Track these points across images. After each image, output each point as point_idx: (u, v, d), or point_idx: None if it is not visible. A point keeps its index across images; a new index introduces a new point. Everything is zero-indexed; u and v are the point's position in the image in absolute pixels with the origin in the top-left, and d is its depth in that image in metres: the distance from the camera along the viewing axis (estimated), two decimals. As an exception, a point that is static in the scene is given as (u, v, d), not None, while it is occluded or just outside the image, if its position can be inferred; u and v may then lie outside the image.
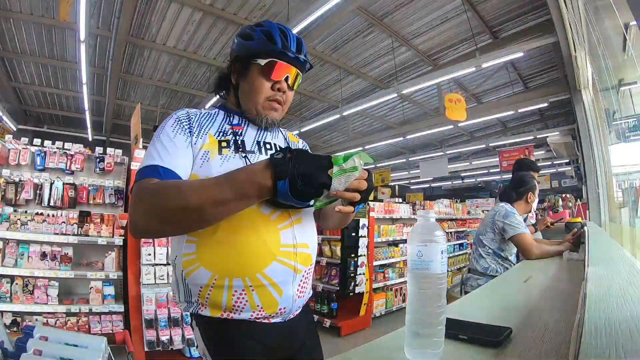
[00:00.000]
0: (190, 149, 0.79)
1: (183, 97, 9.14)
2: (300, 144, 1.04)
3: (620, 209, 3.73)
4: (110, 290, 2.63)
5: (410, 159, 12.26)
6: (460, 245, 6.35)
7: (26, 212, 2.59)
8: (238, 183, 0.65)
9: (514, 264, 2.02)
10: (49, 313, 2.47)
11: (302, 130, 8.76)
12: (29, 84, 8.21)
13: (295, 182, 0.62)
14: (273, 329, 0.79)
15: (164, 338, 2.45)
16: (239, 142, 0.84)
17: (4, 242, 2.48)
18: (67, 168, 2.78)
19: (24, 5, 5.38)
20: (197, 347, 0.83)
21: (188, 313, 0.81)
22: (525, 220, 2.32)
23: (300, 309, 0.86)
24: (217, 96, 0.98)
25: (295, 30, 4.58)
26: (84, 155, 2.85)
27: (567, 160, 9.81)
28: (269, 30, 0.84)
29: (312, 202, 0.70)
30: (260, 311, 0.77)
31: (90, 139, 10.18)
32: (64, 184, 2.73)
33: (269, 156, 0.67)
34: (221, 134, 0.84)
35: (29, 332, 1.37)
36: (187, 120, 0.82)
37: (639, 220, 2.69)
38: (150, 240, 2.55)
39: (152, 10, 5.57)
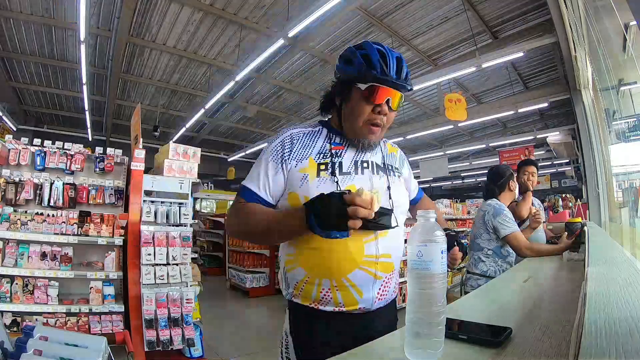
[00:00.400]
0: (281, 175, 0.93)
1: (183, 97, 9.14)
2: (397, 154, 1.14)
3: (620, 209, 3.73)
4: (110, 290, 2.63)
5: (410, 159, 12.18)
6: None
7: (26, 212, 2.59)
8: (288, 223, 0.84)
9: (514, 261, 2.02)
10: (49, 313, 2.47)
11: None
12: (29, 84, 8.21)
13: (319, 220, 0.74)
14: (351, 319, 0.91)
15: (164, 338, 2.45)
16: (337, 164, 0.93)
17: (4, 242, 2.48)
18: (67, 168, 2.78)
19: (24, 5, 5.39)
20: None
21: (286, 298, 0.99)
22: (525, 221, 2.33)
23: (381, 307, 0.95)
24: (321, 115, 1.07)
25: (295, 31, 4.59)
26: (84, 155, 2.85)
27: (567, 160, 9.81)
28: (368, 54, 0.88)
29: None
30: (341, 307, 0.90)
31: (90, 139, 10.18)
32: (64, 184, 2.73)
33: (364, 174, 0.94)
34: (321, 155, 0.94)
35: (29, 332, 1.36)
36: (289, 144, 0.94)
37: (639, 220, 2.69)
38: (150, 240, 2.55)
39: (152, 10, 5.57)
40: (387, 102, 0.90)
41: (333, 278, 0.89)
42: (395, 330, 0.94)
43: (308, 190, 0.88)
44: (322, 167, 0.92)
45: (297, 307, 0.94)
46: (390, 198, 0.98)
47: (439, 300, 0.53)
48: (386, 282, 0.94)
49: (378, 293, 0.92)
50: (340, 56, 0.95)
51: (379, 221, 0.85)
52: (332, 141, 0.97)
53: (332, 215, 0.72)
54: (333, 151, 0.95)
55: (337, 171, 0.91)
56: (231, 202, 0.99)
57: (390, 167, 1.04)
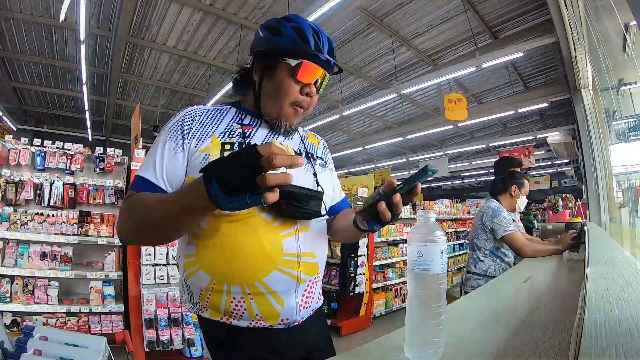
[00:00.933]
0: (180, 156, 0.75)
1: (183, 97, 9.14)
2: (320, 145, 0.98)
3: (620, 209, 3.73)
4: (110, 290, 2.63)
5: (410, 159, 12.25)
6: (460, 245, 6.36)
7: (26, 212, 2.59)
8: (185, 198, 0.60)
9: (513, 261, 2.03)
10: (49, 313, 2.47)
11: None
12: (29, 84, 8.22)
13: (223, 182, 0.52)
14: (275, 334, 0.77)
15: (164, 338, 2.45)
16: (244, 144, 0.78)
17: (4, 242, 2.48)
18: (67, 168, 2.78)
19: (24, 5, 5.39)
20: (202, 347, 0.86)
21: (192, 312, 0.80)
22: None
23: (307, 317, 0.81)
24: (236, 94, 0.92)
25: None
26: (84, 155, 2.85)
27: (567, 160, 9.82)
28: (300, 27, 0.77)
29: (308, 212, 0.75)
30: (259, 321, 0.75)
31: (90, 139, 10.18)
32: (64, 184, 2.73)
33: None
34: (227, 134, 0.79)
35: (29, 332, 1.36)
36: (189, 121, 0.78)
37: (639, 220, 2.69)
38: (150, 240, 2.55)
39: (152, 10, 5.57)
40: (315, 82, 0.80)
41: (245, 283, 0.72)
42: (330, 343, 0.89)
43: None
44: (227, 146, 0.76)
45: (208, 323, 0.76)
46: (318, 185, 0.84)
47: (439, 300, 0.54)
48: (310, 287, 0.80)
49: (302, 300, 0.78)
50: (263, 27, 0.81)
51: (307, 206, 0.75)
52: (241, 121, 0.82)
53: (242, 168, 0.51)
54: (241, 130, 0.80)
55: None
56: None
57: (311, 155, 0.90)
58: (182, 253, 0.79)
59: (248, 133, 0.81)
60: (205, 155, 0.75)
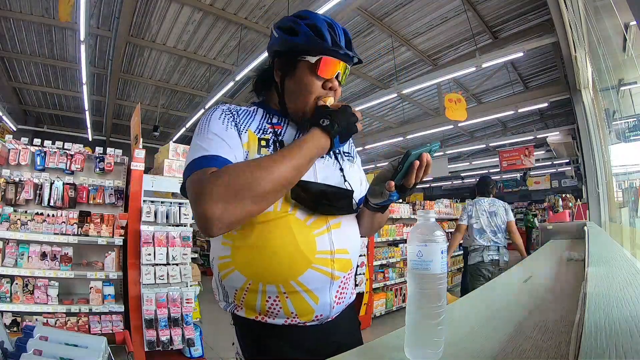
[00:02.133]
0: (240, 142, 0.76)
1: (183, 97, 9.14)
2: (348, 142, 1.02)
3: (620, 209, 3.73)
4: (110, 290, 2.63)
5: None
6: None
7: (26, 212, 2.59)
8: (308, 150, 0.71)
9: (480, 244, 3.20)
10: (49, 313, 2.47)
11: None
12: (29, 84, 8.21)
13: (342, 135, 0.75)
14: (308, 331, 0.77)
15: (164, 338, 2.45)
16: (278, 142, 0.80)
17: (4, 242, 2.48)
18: (67, 168, 2.78)
19: (24, 5, 5.39)
20: (233, 343, 0.84)
21: (226, 311, 0.82)
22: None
23: (340, 312, 0.83)
24: (257, 96, 0.93)
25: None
26: (84, 155, 2.85)
27: (567, 160, 9.81)
28: (314, 23, 0.78)
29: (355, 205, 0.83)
30: (294, 318, 0.75)
31: (90, 139, 10.18)
32: (64, 184, 2.73)
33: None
34: (261, 131, 0.80)
35: (29, 332, 1.36)
36: (231, 114, 0.79)
37: (639, 220, 2.69)
38: (150, 240, 2.55)
39: (152, 10, 5.57)
40: (337, 76, 0.81)
41: (280, 282, 0.73)
42: (360, 338, 0.90)
43: None
44: (263, 142, 0.78)
45: (243, 322, 0.78)
46: (345, 181, 0.85)
47: (439, 300, 0.54)
48: (344, 283, 0.81)
49: (336, 296, 0.78)
50: (277, 27, 0.82)
51: (338, 204, 0.78)
52: (270, 121, 0.84)
53: (353, 124, 0.77)
54: (272, 130, 0.82)
55: (278, 149, 0.79)
56: None
57: (339, 151, 0.91)
58: (217, 254, 0.79)
59: (279, 132, 0.83)
60: (246, 152, 0.76)
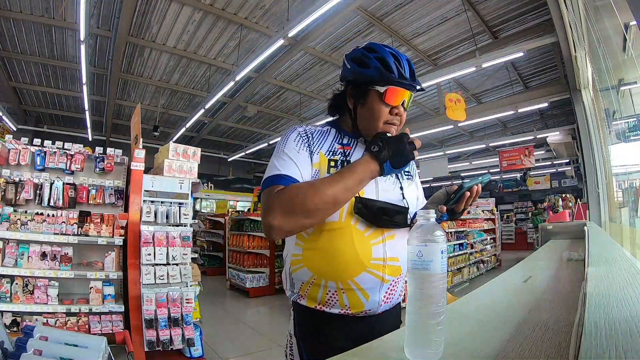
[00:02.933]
0: (311, 165, 0.89)
1: (183, 97, 9.14)
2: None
3: (620, 209, 3.73)
4: (110, 290, 2.63)
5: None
6: (460, 245, 6.36)
7: (26, 212, 2.59)
8: (358, 174, 0.83)
9: None
10: (49, 313, 2.47)
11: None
12: (29, 84, 8.21)
13: (393, 161, 0.84)
14: (357, 321, 0.91)
15: (164, 338, 2.45)
16: (346, 162, 0.92)
17: (4, 242, 2.48)
18: (67, 168, 2.78)
19: (24, 5, 5.38)
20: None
21: (290, 299, 0.97)
22: None
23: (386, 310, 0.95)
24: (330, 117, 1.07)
25: (295, 31, 4.59)
26: (84, 155, 2.85)
27: (567, 160, 9.82)
28: (383, 57, 0.89)
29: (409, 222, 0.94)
30: (347, 309, 0.89)
31: (90, 139, 10.17)
32: (64, 183, 2.73)
33: (369, 151, 0.87)
34: (331, 152, 0.93)
35: (29, 332, 1.36)
36: (307, 137, 0.92)
37: (639, 220, 2.69)
38: (150, 240, 2.55)
39: (152, 10, 5.57)
40: (402, 103, 0.93)
41: (339, 280, 0.88)
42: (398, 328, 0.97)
43: None
44: (332, 163, 0.91)
45: (302, 309, 0.94)
46: (403, 198, 0.98)
47: (438, 301, 0.54)
48: (393, 286, 0.93)
49: (385, 296, 0.92)
50: (350, 58, 0.94)
51: (395, 219, 0.91)
52: (341, 141, 0.96)
53: (405, 152, 0.86)
54: (342, 150, 0.94)
55: None
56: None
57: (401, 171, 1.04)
58: (290, 252, 0.95)
59: (347, 152, 0.95)
60: (316, 170, 0.90)
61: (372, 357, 0.60)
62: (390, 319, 0.97)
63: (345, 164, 0.91)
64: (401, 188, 0.99)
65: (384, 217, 0.89)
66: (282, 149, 0.90)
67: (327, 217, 0.85)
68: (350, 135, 0.98)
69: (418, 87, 0.94)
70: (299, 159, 0.88)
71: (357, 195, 0.88)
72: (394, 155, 0.84)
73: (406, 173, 1.06)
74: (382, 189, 0.94)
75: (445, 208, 0.86)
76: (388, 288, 0.92)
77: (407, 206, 0.96)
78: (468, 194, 0.86)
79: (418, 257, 0.54)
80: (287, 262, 0.96)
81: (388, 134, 0.91)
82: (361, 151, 0.96)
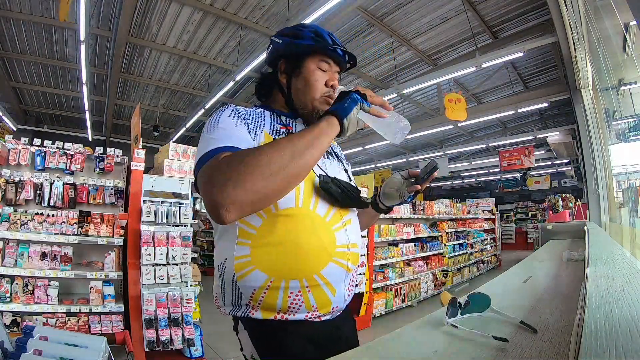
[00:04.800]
0: (251, 142, 0.77)
1: (183, 97, 9.14)
2: (335, 145, 1.09)
3: (620, 209, 3.73)
4: (110, 290, 2.63)
5: (410, 159, 12.26)
6: (460, 245, 6.35)
7: (26, 212, 2.59)
8: (317, 128, 0.72)
9: None
10: (49, 313, 2.47)
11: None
12: (29, 84, 8.21)
13: (346, 103, 0.76)
14: (322, 326, 0.80)
15: (164, 338, 2.45)
16: None
17: (4, 242, 2.48)
18: (67, 168, 2.78)
19: (24, 5, 5.39)
20: (242, 349, 0.83)
21: (232, 316, 0.81)
22: None
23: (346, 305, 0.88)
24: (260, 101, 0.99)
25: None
26: (84, 155, 2.85)
27: (567, 160, 9.81)
28: (316, 29, 0.89)
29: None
30: (314, 311, 0.78)
31: (90, 139, 10.17)
32: (64, 183, 2.73)
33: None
34: (275, 132, 0.84)
35: (29, 332, 1.36)
36: (241, 115, 0.81)
37: (639, 220, 2.69)
38: (150, 240, 2.55)
39: (152, 10, 5.57)
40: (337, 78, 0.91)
41: (304, 277, 0.75)
42: (356, 332, 0.94)
43: None
44: None
45: (256, 325, 0.78)
46: (350, 180, 0.93)
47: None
48: (353, 275, 0.87)
49: (348, 288, 0.84)
50: (280, 34, 0.91)
51: (356, 201, 0.86)
52: (280, 121, 0.88)
53: (352, 94, 0.77)
54: (284, 130, 0.86)
55: None
56: None
57: (336, 155, 0.99)
58: (231, 255, 0.77)
59: (290, 132, 0.87)
60: None
61: (373, 357, 0.60)
62: (348, 315, 0.91)
63: None
64: (346, 170, 0.97)
65: (353, 194, 0.84)
66: (216, 123, 0.77)
67: (295, 184, 0.70)
68: (286, 115, 0.90)
69: (350, 59, 0.91)
70: (239, 132, 0.76)
71: (322, 173, 0.81)
72: (345, 99, 0.76)
73: (342, 158, 1.02)
74: (331, 172, 0.86)
75: (419, 186, 0.89)
76: (350, 278, 0.85)
77: (359, 188, 0.92)
78: (436, 173, 0.88)
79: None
80: (228, 268, 0.77)
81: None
82: (302, 128, 0.89)
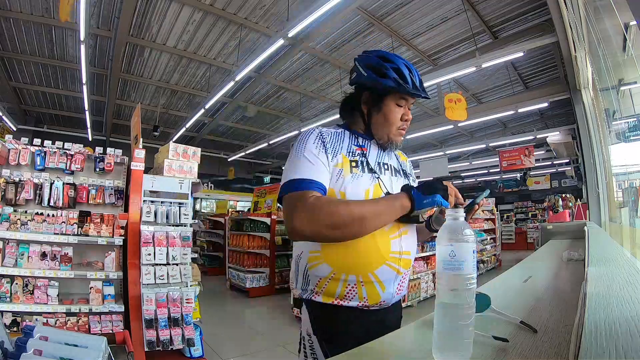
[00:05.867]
0: (329, 165, 0.94)
1: (183, 97, 9.14)
2: (407, 162, 1.23)
3: (620, 209, 3.72)
4: (110, 290, 2.63)
5: (410, 159, 12.22)
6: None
7: (26, 212, 2.59)
8: (388, 202, 0.89)
9: None
10: (49, 313, 2.47)
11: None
12: (29, 84, 8.21)
13: (422, 192, 0.89)
14: (371, 314, 0.96)
15: (164, 338, 2.45)
16: (365, 162, 1.00)
17: (4, 242, 2.48)
18: (67, 168, 2.78)
19: (24, 5, 5.38)
20: (300, 327, 1.02)
21: (300, 297, 1.01)
22: None
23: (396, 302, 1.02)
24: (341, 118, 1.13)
25: (295, 31, 4.59)
26: (84, 155, 2.85)
27: (567, 160, 9.82)
28: (399, 68, 0.96)
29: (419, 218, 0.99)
30: (365, 302, 0.94)
31: (90, 139, 10.17)
32: (64, 183, 2.73)
33: (402, 188, 0.94)
34: (350, 154, 0.99)
35: (29, 332, 1.36)
36: (323, 139, 0.97)
37: (639, 220, 2.69)
38: (150, 240, 2.55)
39: (152, 10, 5.57)
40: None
41: (360, 274, 0.92)
42: (399, 324, 1.07)
43: (344, 185, 0.93)
44: (354, 164, 0.97)
45: (317, 306, 0.96)
46: None
47: (470, 301, 0.52)
48: (404, 278, 1.00)
49: (397, 288, 0.98)
50: (365, 65, 0.99)
51: (413, 215, 0.96)
52: (357, 143, 1.03)
53: (436, 186, 0.90)
54: (359, 152, 1.01)
55: (366, 169, 0.98)
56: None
57: (404, 172, 1.14)
58: (307, 249, 0.97)
59: (365, 153, 1.02)
60: (339, 170, 0.95)
61: (373, 357, 0.60)
62: (396, 312, 1.05)
63: (365, 163, 0.99)
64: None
65: (409, 213, 0.93)
66: (301, 151, 0.94)
67: (349, 237, 0.87)
68: (363, 137, 1.05)
69: (428, 97, 1.01)
70: (321, 162, 0.93)
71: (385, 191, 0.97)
72: (424, 189, 0.90)
73: (409, 174, 1.16)
74: (395, 188, 1.01)
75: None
76: (401, 280, 0.98)
77: None
78: (477, 207, 0.95)
79: (451, 258, 0.52)
80: (303, 259, 0.99)
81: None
82: (375, 152, 1.04)
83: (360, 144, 1.03)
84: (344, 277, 0.93)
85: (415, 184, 1.15)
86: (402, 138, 1.06)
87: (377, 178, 0.98)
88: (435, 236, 1.09)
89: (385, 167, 1.05)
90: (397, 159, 1.16)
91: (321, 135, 0.97)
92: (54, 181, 2.71)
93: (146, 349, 2.41)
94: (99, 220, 2.72)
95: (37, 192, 2.68)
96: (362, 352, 0.62)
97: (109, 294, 2.61)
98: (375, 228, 0.88)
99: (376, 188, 0.96)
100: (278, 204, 1.10)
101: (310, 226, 0.83)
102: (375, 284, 0.93)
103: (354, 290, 0.93)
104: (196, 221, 3.36)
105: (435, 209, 0.95)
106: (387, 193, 0.97)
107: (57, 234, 2.55)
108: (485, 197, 0.97)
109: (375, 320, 0.96)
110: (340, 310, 0.94)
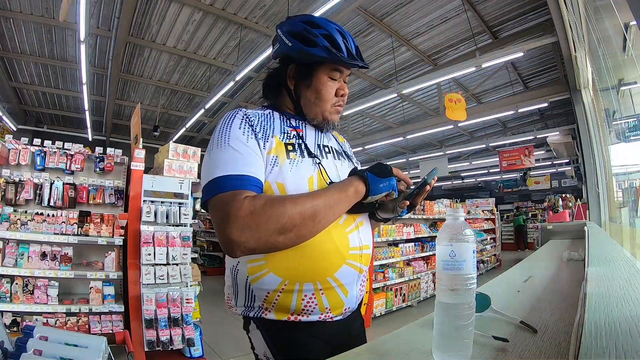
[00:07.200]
0: (261, 154, 0.77)
1: (183, 97, 9.14)
2: (346, 143, 1.07)
3: (620, 209, 3.73)
4: (110, 290, 2.63)
5: (410, 159, 12.26)
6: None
7: (26, 212, 2.59)
8: (340, 189, 0.76)
9: None
10: (49, 313, 2.47)
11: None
12: (29, 84, 8.21)
13: (376, 175, 0.79)
14: (334, 325, 0.81)
15: (164, 338, 2.45)
16: (303, 145, 0.84)
17: (4, 242, 2.48)
18: (67, 168, 2.78)
19: (24, 5, 5.39)
20: (253, 348, 0.84)
21: (245, 316, 0.81)
22: None
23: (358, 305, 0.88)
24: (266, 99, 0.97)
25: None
26: (84, 155, 2.85)
27: (567, 160, 9.82)
28: (330, 34, 0.82)
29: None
30: (327, 312, 0.79)
31: (90, 139, 10.17)
32: (64, 183, 2.73)
33: (352, 172, 0.83)
34: (285, 136, 0.82)
35: (29, 332, 1.36)
36: (250, 122, 0.79)
37: (639, 220, 2.69)
38: (150, 240, 2.55)
39: (152, 10, 5.57)
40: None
41: (318, 280, 0.76)
42: (364, 329, 0.95)
43: (281, 176, 0.76)
44: (290, 147, 0.80)
45: (270, 325, 0.79)
46: None
47: (470, 302, 0.52)
48: (364, 276, 0.86)
49: (360, 289, 0.85)
50: (289, 33, 0.84)
51: (367, 202, 0.84)
52: (290, 124, 0.86)
53: (389, 169, 0.79)
54: (295, 133, 0.84)
55: (305, 152, 0.82)
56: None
57: (346, 154, 0.98)
58: (244, 258, 0.77)
59: (301, 135, 0.86)
60: (274, 158, 0.78)
61: (372, 357, 0.60)
62: (359, 317, 0.92)
63: (303, 146, 0.83)
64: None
65: (363, 200, 0.81)
66: (225, 140, 0.75)
67: (303, 240, 0.72)
68: (295, 117, 0.89)
69: (362, 65, 0.87)
70: (252, 151, 0.75)
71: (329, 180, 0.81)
72: (378, 172, 0.79)
73: (351, 156, 1.02)
74: (342, 174, 0.86)
75: (407, 203, 0.82)
76: (362, 279, 0.85)
77: None
78: (428, 187, 0.83)
79: (451, 258, 0.52)
80: (241, 272, 0.79)
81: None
82: (312, 133, 0.88)
83: (294, 124, 0.86)
84: (298, 287, 0.75)
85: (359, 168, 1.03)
86: (339, 116, 0.90)
87: (319, 164, 0.82)
88: (378, 225, 1.02)
89: (327, 149, 0.89)
90: (336, 140, 0.99)
91: (247, 117, 0.80)
92: (54, 181, 2.72)
93: (146, 349, 2.41)
94: (99, 220, 2.72)
95: (37, 192, 2.68)
96: (362, 352, 0.62)
97: (109, 294, 2.61)
98: (330, 223, 0.75)
99: (320, 175, 0.80)
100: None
101: (254, 236, 0.66)
102: (336, 288, 0.78)
103: (312, 302, 0.76)
104: (196, 221, 3.36)
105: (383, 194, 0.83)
106: (332, 181, 0.81)
107: (57, 234, 2.55)
108: (435, 176, 0.86)
109: (341, 331, 0.82)
110: (299, 327, 0.77)
